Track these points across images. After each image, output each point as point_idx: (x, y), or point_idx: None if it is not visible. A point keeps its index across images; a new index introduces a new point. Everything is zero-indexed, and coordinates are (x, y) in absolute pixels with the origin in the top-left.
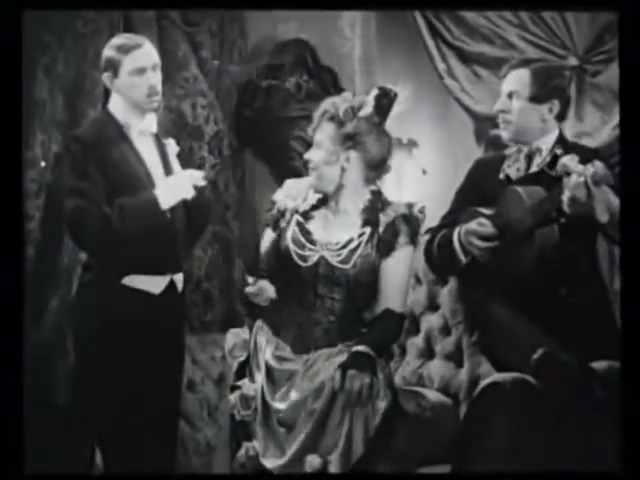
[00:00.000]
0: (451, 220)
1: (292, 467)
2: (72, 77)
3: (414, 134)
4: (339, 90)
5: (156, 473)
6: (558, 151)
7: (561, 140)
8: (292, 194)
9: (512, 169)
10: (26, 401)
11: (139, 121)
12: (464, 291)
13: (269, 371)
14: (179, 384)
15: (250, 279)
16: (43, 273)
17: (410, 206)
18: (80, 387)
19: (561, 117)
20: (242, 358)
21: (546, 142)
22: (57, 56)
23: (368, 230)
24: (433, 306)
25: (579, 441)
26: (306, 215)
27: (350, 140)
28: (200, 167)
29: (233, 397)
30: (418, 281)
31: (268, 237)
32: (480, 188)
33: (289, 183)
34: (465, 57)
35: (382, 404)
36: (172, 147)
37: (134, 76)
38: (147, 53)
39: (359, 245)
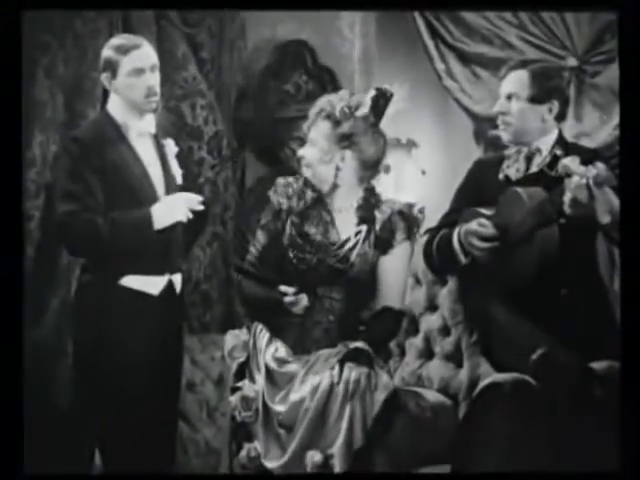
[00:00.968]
0: (450, 220)
1: (292, 465)
2: (72, 77)
3: (413, 134)
4: (338, 90)
5: (155, 473)
6: (557, 152)
7: (560, 140)
8: (287, 193)
9: (511, 169)
10: (26, 401)
11: (137, 122)
12: (463, 292)
13: (269, 374)
14: (178, 385)
15: (289, 289)
16: (43, 273)
17: (409, 206)
18: (80, 388)
19: (561, 117)
20: (242, 359)
21: (545, 143)
22: (57, 56)
23: (364, 228)
24: (432, 306)
25: (579, 441)
26: (301, 215)
27: (346, 140)
28: (200, 192)
29: (234, 398)
30: (417, 281)
31: (264, 238)
32: (479, 188)
33: (281, 182)
34: (464, 57)
35: (381, 396)
36: (171, 147)
37: (132, 77)
38: (145, 54)
39: (356, 244)
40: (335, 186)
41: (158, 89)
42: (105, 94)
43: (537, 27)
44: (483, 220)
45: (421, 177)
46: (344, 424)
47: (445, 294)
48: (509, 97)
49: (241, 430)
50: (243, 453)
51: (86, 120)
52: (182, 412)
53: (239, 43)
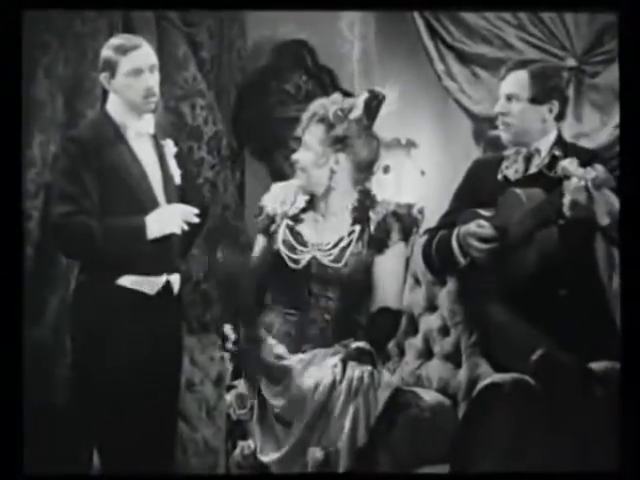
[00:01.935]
0: (449, 221)
1: (291, 461)
2: (71, 77)
3: (412, 135)
4: (338, 90)
5: (155, 473)
6: (557, 152)
7: (559, 141)
8: (280, 198)
9: (510, 170)
10: (25, 401)
11: (136, 122)
12: (463, 292)
13: (267, 368)
14: (177, 384)
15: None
16: (42, 273)
17: (408, 207)
18: (79, 387)
19: (560, 117)
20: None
21: (545, 143)
22: (57, 56)
23: (358, 228)
24: (432, 307)
25: (578, 441)
26: (296, 218)
27: (340, 143)
28: (199, 192)
29: (229, 396)
30: (417, 282)
31: (259, 242)
32: (478, 189)
33: (276, 187)
34: (464, 58)
35: (384, 394)
36: (170, 148)
37: (131, 77)
38: (144, 54)
39: (349, 243)
40: (330, 189)
41: (157, 90)
42: (105, 94)
43: (537, 27)
44: (482, 221)
45: (420, 177)
46: (347, 422)
47: (444, 294)
48: (509, 98)
49: (237, 428)
50: (237, 451)
51: (85, 120)
52: (181, 412)
53: (239, 43)
